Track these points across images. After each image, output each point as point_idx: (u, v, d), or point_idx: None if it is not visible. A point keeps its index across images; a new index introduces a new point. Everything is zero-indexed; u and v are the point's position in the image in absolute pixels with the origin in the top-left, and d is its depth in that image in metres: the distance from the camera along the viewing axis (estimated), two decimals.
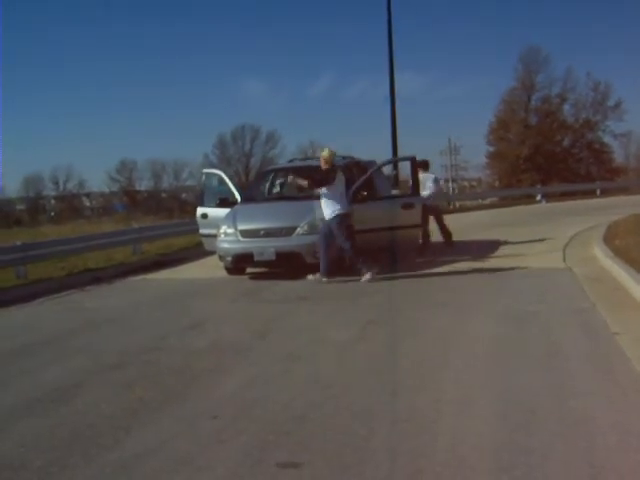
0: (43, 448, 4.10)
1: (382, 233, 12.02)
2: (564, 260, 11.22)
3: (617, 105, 51.13)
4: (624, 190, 36.45)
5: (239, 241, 11.13)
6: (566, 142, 53.72)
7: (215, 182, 13.65)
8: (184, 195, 70.38)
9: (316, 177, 10.61)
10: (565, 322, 6.73)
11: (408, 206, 12.45)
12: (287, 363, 5.82)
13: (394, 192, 14.09)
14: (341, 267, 10.91)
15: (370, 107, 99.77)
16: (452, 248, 13.71)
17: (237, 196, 12.64)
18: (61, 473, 3.75)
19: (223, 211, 12.14)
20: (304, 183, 10.82)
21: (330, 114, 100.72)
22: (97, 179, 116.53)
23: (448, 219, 14.87)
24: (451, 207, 34.16)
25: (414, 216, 12.59)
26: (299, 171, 13.61)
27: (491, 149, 54.01)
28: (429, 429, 4.05)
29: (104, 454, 3.96)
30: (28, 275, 12.21)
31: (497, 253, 12.72)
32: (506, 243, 14.09)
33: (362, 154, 14.85)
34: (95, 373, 5.84)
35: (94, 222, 38.02)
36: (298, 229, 10.86)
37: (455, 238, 14.19)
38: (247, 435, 4.12)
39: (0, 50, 48.76)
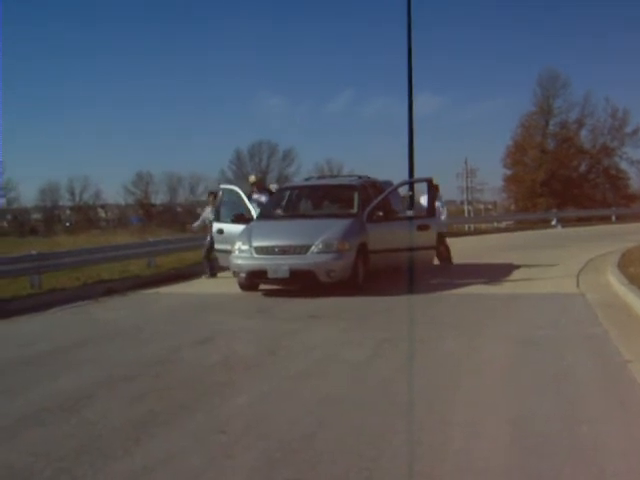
0: (52, 458, 4.11)
1: (397, 253, 12.05)
2: (578, 286, 11.16)
3: (635, 132, 50.98)
4: None
5: (253, 257, 11.15)
6: (582, 167, 53.57)
7: (232, 198, 13.65)
8: (199, 210, 70.46)
9: None
10: (577, 348, 6.69)
11: (424, 227, 12.46)
12: (298, 380, 5.82)
13: (409, 213, 14.11)
14: (356, 286, 10.93)
15: (387, 126, 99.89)
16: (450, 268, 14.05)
17: (253, 213, 12.70)
18: None
19: (239, 227, 12.18)
20: None
21: (347, 132, 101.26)
22: (113, 191, 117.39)
23: (463, 241, 14.87)
24: (467, 229, 34.14)
25: (429, 237, 12.60)
26: (315, 189, 13.72)
27: (508, 172, 53.93)
28: (439, 451, 4.04)
29: (113, 465, 3.98)
30: (42, 285, 12.28)
31: (511, 277, 12.68)
32: (520, 267, 14.02)
33: (378, 173, 14.91)
34: (106, 384, 5.86)
35: (109, 233, 38.19)
36: (313, 247, 10.86)
37: (469, 261, 14.17)
38: (255, 451, 4.11)
39: (0, 59, 49.52)
